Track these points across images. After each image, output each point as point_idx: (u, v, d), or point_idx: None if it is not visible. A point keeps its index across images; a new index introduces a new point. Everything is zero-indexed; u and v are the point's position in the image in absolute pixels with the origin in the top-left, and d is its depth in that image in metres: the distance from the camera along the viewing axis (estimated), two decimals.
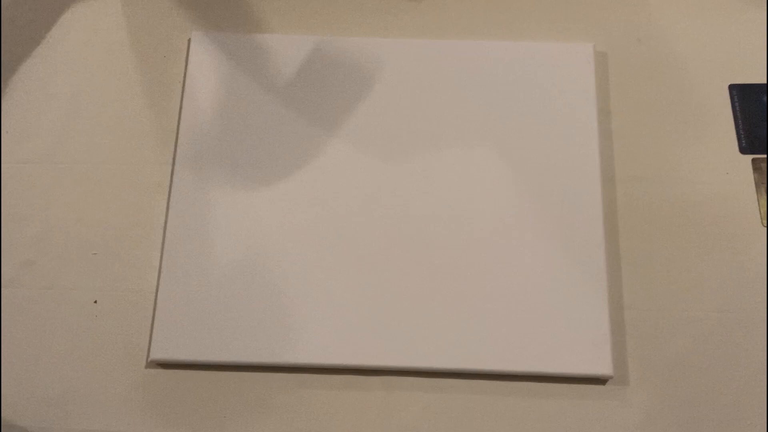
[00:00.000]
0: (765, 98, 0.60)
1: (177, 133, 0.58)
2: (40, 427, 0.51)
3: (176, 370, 0.53)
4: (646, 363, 0.53)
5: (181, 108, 0.59)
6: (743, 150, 0.58)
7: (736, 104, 0.60)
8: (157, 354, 0.52)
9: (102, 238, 0.56)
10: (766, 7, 0.63)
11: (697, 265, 0.55)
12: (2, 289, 0.55)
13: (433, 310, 0.53)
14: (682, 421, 0.51)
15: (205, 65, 0.60)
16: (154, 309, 0.53)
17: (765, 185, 0.57)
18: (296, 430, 0.51)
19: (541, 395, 0.52)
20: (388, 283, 0.53)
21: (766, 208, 0.57)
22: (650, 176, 0.58)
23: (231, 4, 0.64)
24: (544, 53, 0.60)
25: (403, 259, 0.54)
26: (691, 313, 0.54)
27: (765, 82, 0.60)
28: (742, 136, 0.59)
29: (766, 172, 0.58)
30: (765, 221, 0.56)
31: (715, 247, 0.55)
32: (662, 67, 0.61)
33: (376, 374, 0.52)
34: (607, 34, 0.62)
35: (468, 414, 0.52)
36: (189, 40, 0.62)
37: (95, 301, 0.54)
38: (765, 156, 0.58)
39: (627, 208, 0.57)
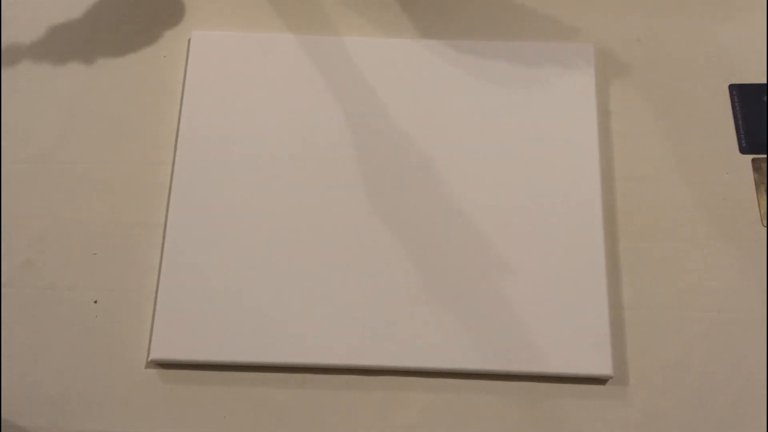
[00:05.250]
0: (765, 98, 0.60)
1: (177, 133, 0.58)
2: (40, 427, 0.51)
3: (176, 370, 0.53)
4: (646, 363, 0.53)
5: (181, 108, 0.59)
6: (743, 150, 0.58)
7: (736, 104, 0.60)
8: (157, 354, 0.52)
9: (102, 238, 0.56)
10: (766, 7, 0.63)
11: (697, 265, 0.55)
12: (2, 289, 0.55)
13: (434, 310, 0.53)
14: (682, 421, 0.51)
15: (205, 65, 0.60)
16: (154, 309, 0.53)
17: (765, 185, 0.57)
18: (296, 430, 0.51)
19: (541, 395, 0.52)
20: (387, 283, 0.53)
21: (766, 208, 0.57)
22: (650, 176, 0.58)
23: (231, 4, 0.64)
24: (544, 53, 0.60)
25: (404, 259, 0.54)
26: (691, 313, 0.54)
27: (765, 82, 0.60)
28: (742, 136, 0.59)
29: (766, 172, 0.58)
30: (765, 221, 0.56)
31: (715, 247, 0.55)
32: (662, 67, 0.61)
33: (376, 374, 0.52)
34: (607, 34, 0.62)
35: (468, 414, 0.52)
36: (189, 40, 0.62)
37: (95, 301, 0.54)
38: (765, 156, 0.58)
39: (627, 208, 0.57)
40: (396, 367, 0.52)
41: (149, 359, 0.52)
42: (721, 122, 0.59)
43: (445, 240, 0.54)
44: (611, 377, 0.52)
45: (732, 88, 0.60)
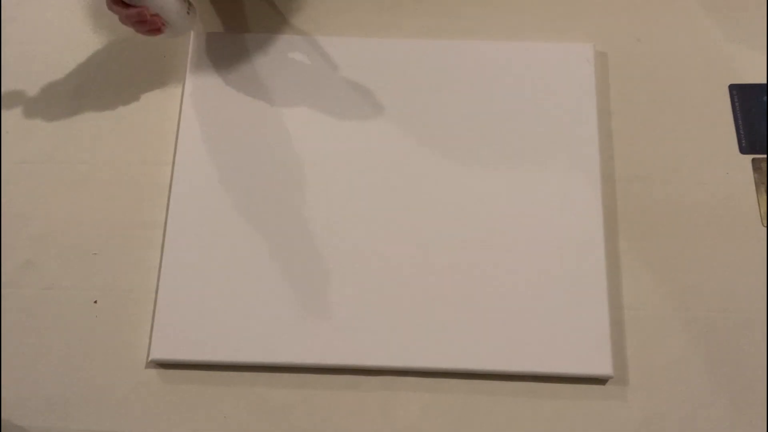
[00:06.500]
0: (765, 98, 0.60)
1: (177, 133, 0.58)
2: (40, 427, 0.51)
3: (176, 370, 0.53)
4: (646, 363, 0.53)
5: (181, 108, 0.59)
6: (743, 150, 0.58)
7: (736, 104, 0.60)
8: (157, 354, 0.52)
9: (102, 238, 0.56)
10: (766, 7, 0.63)
11: (697, 265, 0.55)
12: (2, 289, 0.55)
13: (434, 310, 0.53)
14: (682, 421, 0.51)
15: (205, 65, 0.60)
16: (154, 309, 0.53)
17: (765, 185, 0.57)
18: (296, 430, 0.51)
19: (541, 395, 0.52)
20: (388, 283, 0.53)
21: (766, 208, 0.57)
22: (650, 176, 0.58)
23: (231, 4, 0.64)
24: (544, 53, 0.60)
25: (403, 259, 0.54)
26: (691, 313, 0.54)
27: (765, 82, 0.60)
28: (742, 136, 0.59)
29: (766, 172, 0.58)
30: (765, 221, 0.56)
31: (715, 247, 0.55)
32: (662, 67, 0.61)
33: (376, 374, 0.52)
34: (607, 34, 0.62)
35: (468, 414, 0.52)
36: (189, 40, 0.61)
37: (95, 301, 0.54)
38: (765, 156, 0.58)
39: (627, 208, 0.57)
40: (396, 367, 0.52)
41: (149, 359, 0.52)
42: (721, 122, 0.59)
43: (445, 240, 0.54)
44: (611, 377, 0.52)
45: (732, 88, 0.60)
